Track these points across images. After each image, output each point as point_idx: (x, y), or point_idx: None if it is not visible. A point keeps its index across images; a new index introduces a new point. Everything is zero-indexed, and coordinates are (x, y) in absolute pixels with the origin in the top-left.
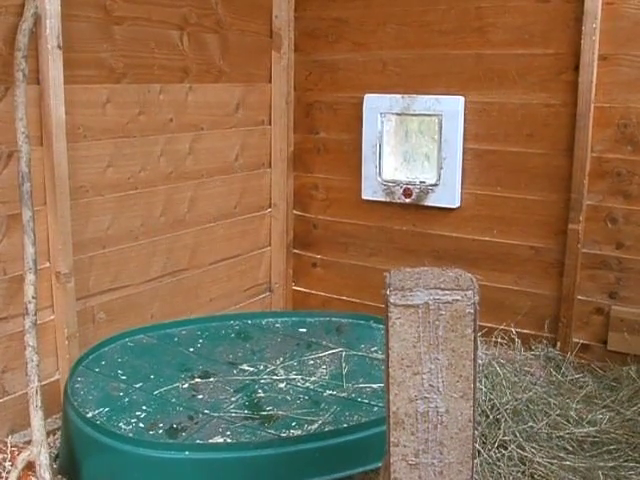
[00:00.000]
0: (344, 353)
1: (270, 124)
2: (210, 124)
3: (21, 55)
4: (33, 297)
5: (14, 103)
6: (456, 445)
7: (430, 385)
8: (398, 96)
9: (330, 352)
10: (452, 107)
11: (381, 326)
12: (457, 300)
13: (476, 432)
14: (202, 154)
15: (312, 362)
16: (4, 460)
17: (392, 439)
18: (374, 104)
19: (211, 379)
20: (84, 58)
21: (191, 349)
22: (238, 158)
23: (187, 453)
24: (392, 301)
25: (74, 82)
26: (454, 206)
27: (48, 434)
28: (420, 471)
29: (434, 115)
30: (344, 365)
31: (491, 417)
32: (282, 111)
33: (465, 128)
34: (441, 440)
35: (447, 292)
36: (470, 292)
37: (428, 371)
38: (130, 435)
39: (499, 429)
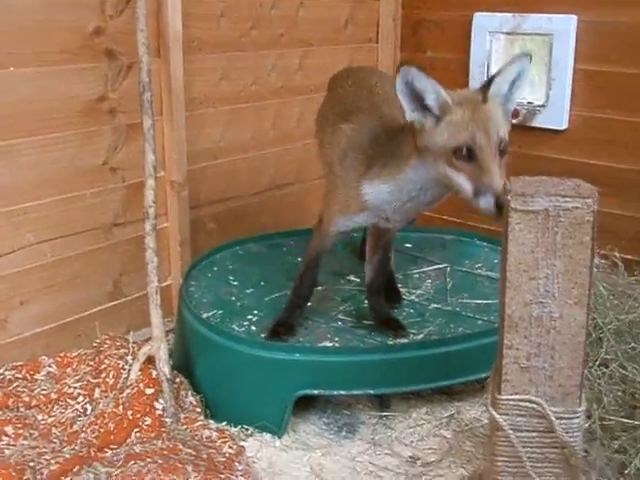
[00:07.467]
0: (448, 268)
1: (377, 42)
2: (319, 40)
3: None
4: (153, 202)
5: (135, 15)
6: (568, 350)
7: (546, 290)
8: (508, 15)
9: (435, 267)
10: (564, 27)
11: (485, 243)
12: (577, 207)
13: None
14: (311, 70)
15: (417, 276)
16: (126, 354)
17: (505, 341)
18: (483, 23)
19: (319, 288)
20: None
21: (299, 259)
22: None
23: (297, 355)
24: (513, 206)
25: None
26: (561, 128)
27: None
28: (531, 374)
29: (545, 35)
30: (448, 280)
31: (594, 335)
32: (390, 29)
33: (577, 48)
34: (553, 345)
35: (567, 199)
36: (590, 200)
37: (544, 276)
38: (243, 336)
39: (601, 348)
